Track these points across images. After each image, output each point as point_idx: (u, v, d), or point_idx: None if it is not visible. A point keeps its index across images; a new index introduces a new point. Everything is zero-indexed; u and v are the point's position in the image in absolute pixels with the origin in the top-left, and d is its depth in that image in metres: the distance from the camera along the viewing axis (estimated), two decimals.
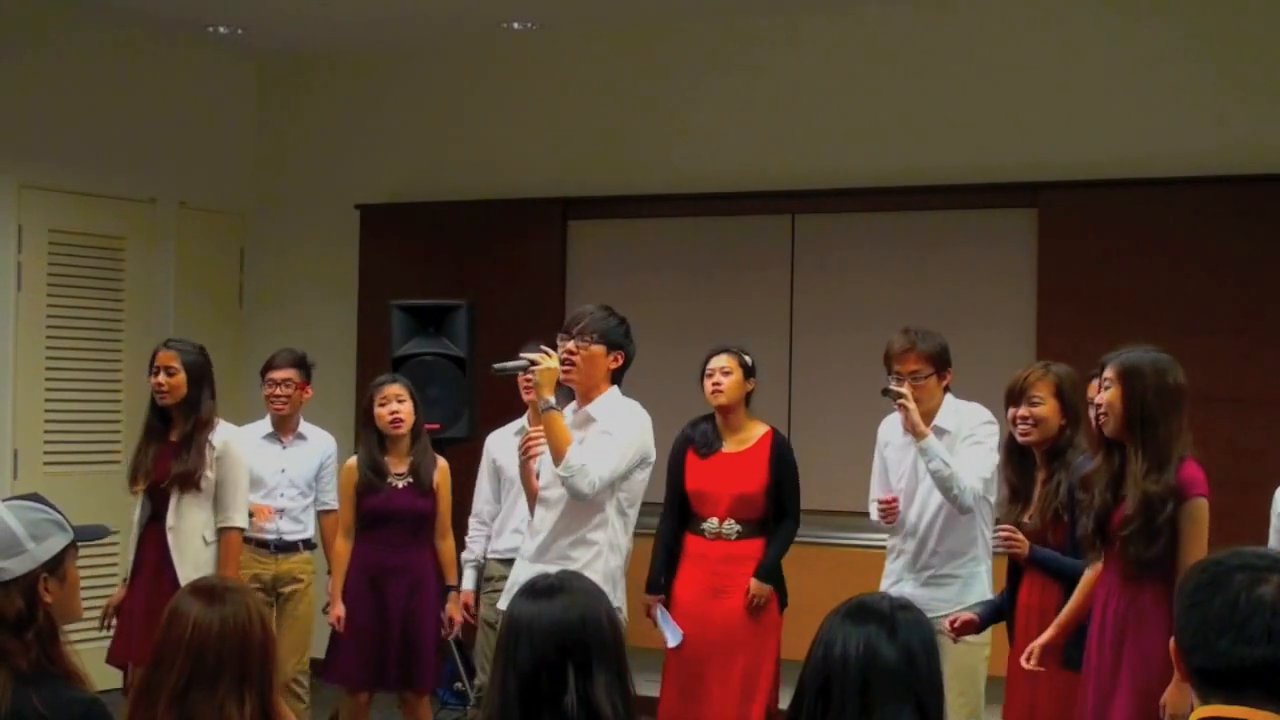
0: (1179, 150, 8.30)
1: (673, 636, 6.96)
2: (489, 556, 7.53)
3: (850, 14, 9.07)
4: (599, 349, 5.88)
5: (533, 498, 6.08)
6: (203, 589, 3.38)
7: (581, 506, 5.81)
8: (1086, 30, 8.63)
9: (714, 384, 7.00)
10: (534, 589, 3.17)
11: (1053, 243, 8.44)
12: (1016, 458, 5.94)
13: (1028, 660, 5.50)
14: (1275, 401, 7.72)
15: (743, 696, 6.87)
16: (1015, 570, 5.95)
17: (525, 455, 6.01)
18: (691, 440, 7.10)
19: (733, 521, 6.94)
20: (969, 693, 6.20)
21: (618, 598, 5.90)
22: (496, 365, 6.09)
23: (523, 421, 7.51)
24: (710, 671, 6.89)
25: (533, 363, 5.83)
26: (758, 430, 7.08)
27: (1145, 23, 8.51)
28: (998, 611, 6.04)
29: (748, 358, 7.07)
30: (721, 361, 7.03)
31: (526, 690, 3.04)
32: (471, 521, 7.57)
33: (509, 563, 7.38)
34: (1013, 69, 8.76)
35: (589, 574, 5.51)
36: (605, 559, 5.85)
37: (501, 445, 7.54)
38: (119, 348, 9.68)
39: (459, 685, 8.46)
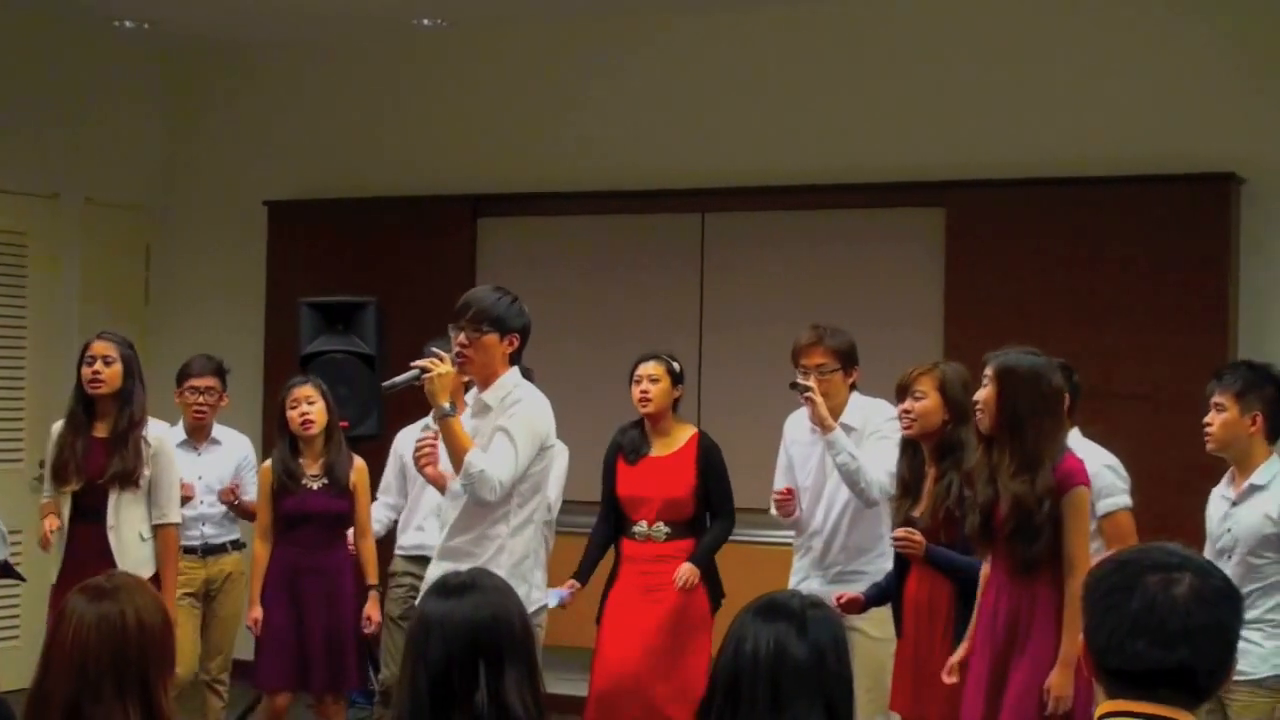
0: (1084, 150, 8.38)
1: (552, 599, 6.90)
2: (395, 553, 7.52)
3: (759, 13, 9.09)
4: (492, 336, 5.73)
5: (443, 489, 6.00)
6: (89, 589, 3.30)
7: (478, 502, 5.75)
8: (992, 31, 8.69)
9: (642, 391, 7.02)
10: (445, 587, 3.16)
11: (960, 241, 8.50)
12: (909, 453, 6.02)
13: (948, 675, 5.55)
14: (1179, 397, 7.78)
15: (678, 693, 6.88)
16: (902, 558, 6.02)
17: (420, 464, 5.89)
18: (620, 447, 7.12)
19: (662, 524, 6.98)
20: (875, 689, 6.24)
21: (534, 594, 5.86)
22: (385, 383, 5.90)
23: (429, 419, 7.49)
24: (644, 670, 6.88)
25: (424, 371, 5.64)
26: (684, 434, 7.13)
27: (1051, 23, 8.59)
28: (884, 594, 6.12)
29: (676, 364, 7.10)
30: (650, 369, 7.05)
31: (437, 688, 3.03)
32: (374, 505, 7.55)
33: (413, 559, 7.42)
34: (919, 69, 8.81)
35: (493, 569, 5.56)
36: (508, 552, 5.75)
37: (409, 442, 7.52)
38: (22, 346, 9.56)
39: (368, 684, 8.42)
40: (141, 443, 6.69)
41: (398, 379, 5.86)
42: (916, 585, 5.92)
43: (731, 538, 7.13)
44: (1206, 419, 5.72)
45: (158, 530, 6.73)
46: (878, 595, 6.15)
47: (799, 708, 2.79)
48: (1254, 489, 5.65)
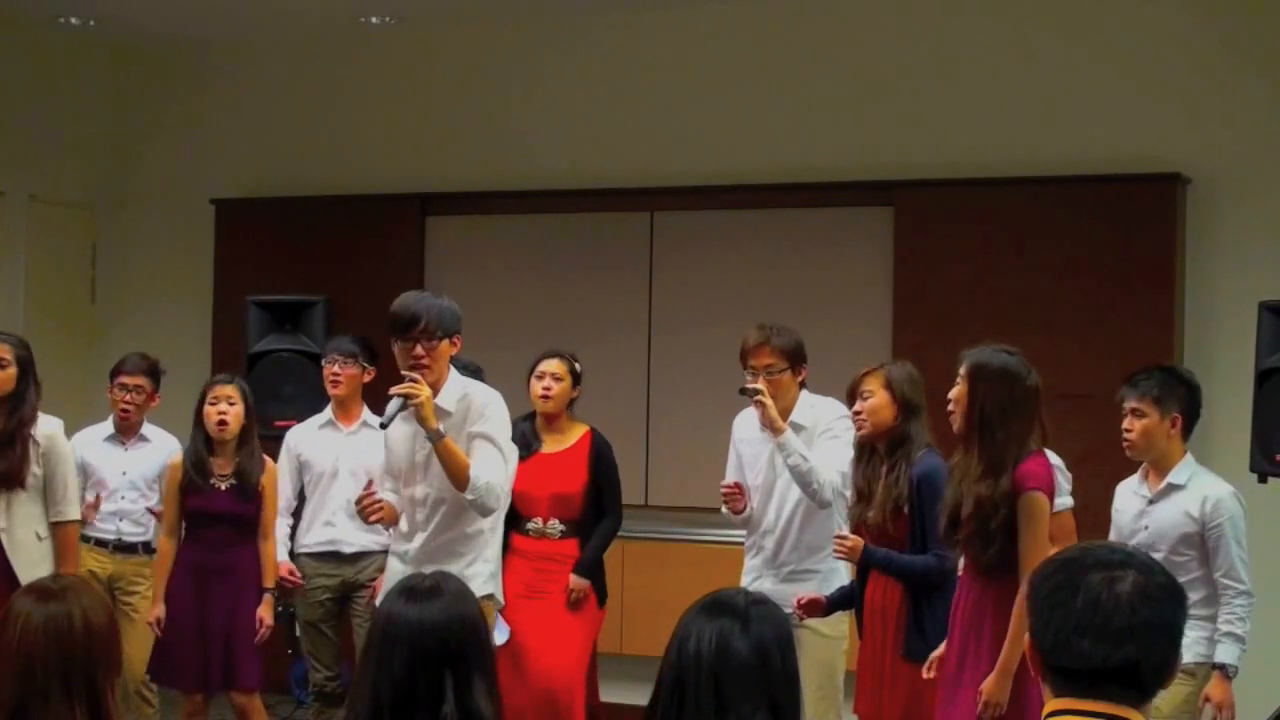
0: (1032, 150, 8.41)
1: (500, 635, 6.99)
2: (299, 552, 7.48)
3: (708, 11, 9.10)
4: (445, 342, 5.80)
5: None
6: (35, 590, 3.29)
7: (462, 502, 5.77)
8: (940, 29, 8.72)
9: (544, 388, 7.06)
10: (412, 591, 3.12)
11: (908, 241, 8.52)
12: (864, 459, 6.03)
13: (928, 671, 5.56)
14: None
15: (564, 690, 6.91)
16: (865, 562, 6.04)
17: (369, 519, 5.85)
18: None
19: (555, 521, 7.04)
20: (826, 687, 6.24)
21: (499, 582, 5.97)
22: (382, 421, 5.81)
23: (327, 416, 7.50)
24: (532, 667, 6.91)
25: (408, 397, 5.64)
26: (577, 431, 7.17)
27: (999, 25, 8.62)
28: (848, 598, 6.12)
29: (577, 365, 7.15)
30: (553, 366, 7.09)
31: (401, 695, 3.00)
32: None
33: (323, 557, 7.43)
34: (868, 68, 8.84)
35: (481, 563, 5.74)
36: (491, 546, 5.91)
37: (306, 440, 7.53)
38: None
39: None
40: (29, 442, 6.58)
41: (389, 411, 5.77)
42: (872, 587, 5.94)
43: (680, 536, 7.15)
44: (1125, 425, 5.75)
45: (55, 528, 6.63)
46: (842, 599, 6.15)
47: (744, 706, 2.78)
48: (1173, 488, 5.73)
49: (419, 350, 5.74)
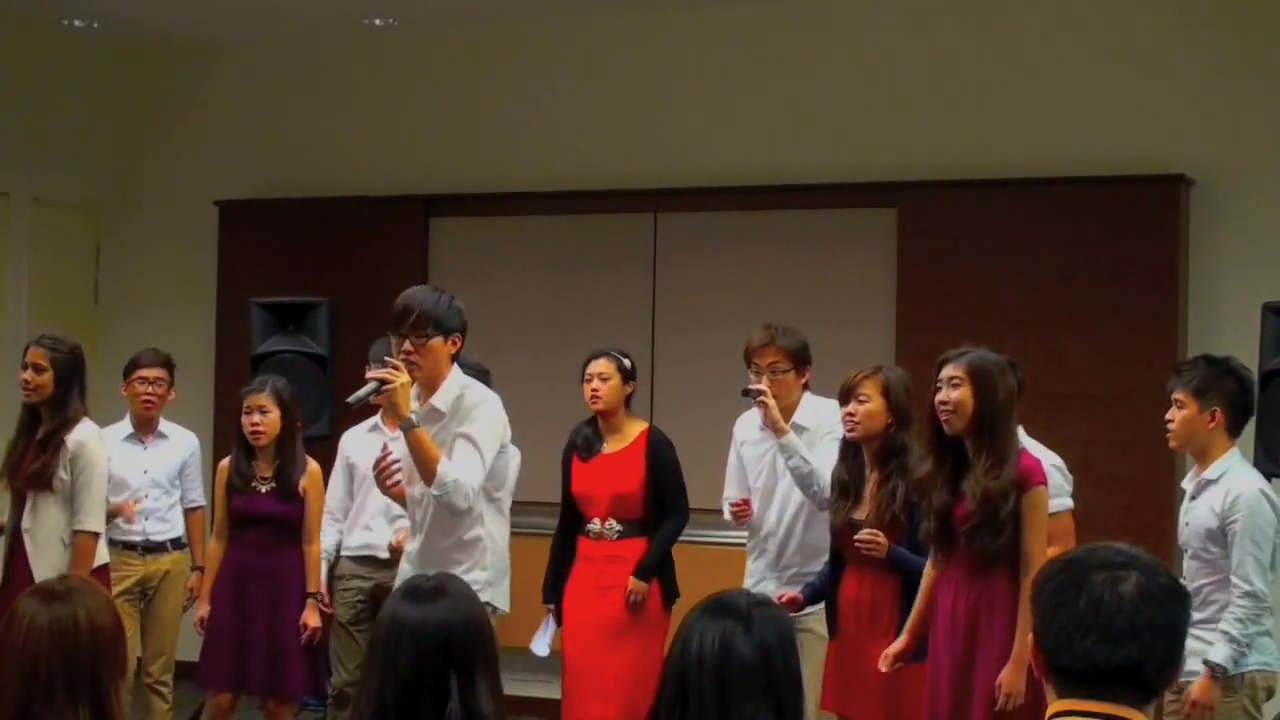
0: (1035, 151, 8.41)
1: (541, 648, 6.97)
2: (341, 555, 7.48)
3: (712, 13, 9.10)
4: (437, 340, 5.63)
5: (400, 500, 6.01)
6: (41, 592, 3.29)
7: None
8: (943, 32, 8.72)
9: (592, 390, 7.01)
10: (416, 592, 3.12)
11: (911, 242, 8.52)
12: (849, 455, 6.06)
13: (884, 664, 5.59)
14: (1127, 399, 7.84)
15: (629, 693, 6.89)
16: (836, 556, 6.06)
17: (384, 482, 5.79)
18: (574, 444, 7.12)
19: (614, 521, 6.97)
20: (810, 680, 6.27)
21: (503, 592, 5.88)
22: (350, 397, 5.69)
23: (376, 419, 7.46)
24: (597, 669, 6.90)
25: (383, 382, 5.53)
26: (635, 430, 7.12)
27: (1002, 26, 8.62)
28: (819, 593, 6.17)
29: (627, 361, 7.09)
30: (599, 366, 7.04)
31: (406, 695, 3.00)
32: (324, 519, 7.49)
33: (361, 560, 7.38)
34: (871, 70, 8.84)
35: (478, 572, 5.63)
36: (489, 553, 5.78)
37: (355, 443, 7.49)
38: None
39: (320, 688, 8.37)
40: (61, 445, 6.54)
41: (359, 392, 5.67)
42: (857, 585, 5.96)
43: (685, 538, 7.12)
44: (1168, 415, 5.73)
45: (72, 535, 6.57)
46: (814, 594, 6.18)
47: (746, 707, 2.79)
48: (1207, 483, 5.67)
49: (408, 345, 5.61)
